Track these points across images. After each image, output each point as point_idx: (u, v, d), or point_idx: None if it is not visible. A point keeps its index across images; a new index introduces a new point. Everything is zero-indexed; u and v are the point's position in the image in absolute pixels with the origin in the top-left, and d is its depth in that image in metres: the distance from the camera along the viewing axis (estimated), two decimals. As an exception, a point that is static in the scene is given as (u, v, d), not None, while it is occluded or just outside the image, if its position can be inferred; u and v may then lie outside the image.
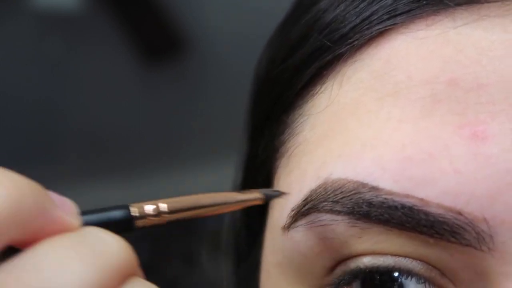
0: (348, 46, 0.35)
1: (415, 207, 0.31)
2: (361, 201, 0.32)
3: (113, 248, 0.27)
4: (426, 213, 0.31)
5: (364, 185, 0.32)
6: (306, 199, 0.34)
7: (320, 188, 0.34)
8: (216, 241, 0.53)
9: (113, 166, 2.08)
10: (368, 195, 0.32)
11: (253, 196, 0.35)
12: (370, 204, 0.32)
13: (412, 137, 0.32)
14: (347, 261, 0.34)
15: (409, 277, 0.33)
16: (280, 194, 0.35)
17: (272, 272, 0.38)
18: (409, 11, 0.34)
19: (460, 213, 0.31)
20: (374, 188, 0.32)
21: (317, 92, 0.37)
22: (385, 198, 0.32)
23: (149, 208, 0.31)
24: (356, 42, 0.35)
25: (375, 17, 0.34)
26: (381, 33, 0.34)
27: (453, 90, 0.32)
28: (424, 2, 0.33)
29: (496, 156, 0.31)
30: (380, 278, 0.33)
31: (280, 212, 0.36)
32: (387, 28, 0.34)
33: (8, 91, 1.89)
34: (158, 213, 0.31)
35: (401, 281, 0.33)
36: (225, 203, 0.34)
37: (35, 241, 0.26)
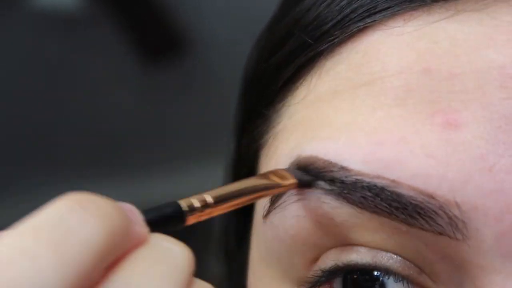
0: (329, 44, 0.36)
1: (387, 188, 0.31)
2: (331, 179, 0.33)
3: (181, 260, 0.28)
4: (398, 195, 0.31)
5: (333, 164, 0.33)
6: None
7: (292, 165, 0.34)
8: (208, 240, 0.53)
9: (113, 166, 2.08)
10: (338, 174, 0.32)
11: (289, 181, 0.34)
12: (342, 182, 0.32)
13: (385, 123, 0.32)
14: (323, 256, 0.34)
15: (387, 276, 0.33)
16: (312, 180, 0.34)
17: (257, 267, 0.38)
18: (388, 8, 0.34)
19: (432, 197, 0.31)
20: (343, 168, 0.32)
21: (297, 87, 0.37)
22: (357, 179, 0.32)
23: (196, 201, 0.31)
24: (336, 40, 0.35)
25: (355, 15, 0.35)
26: (360, 30, 0.35)
27: (426, 79, 0.32)
28: None
29: (469, 142, 0.31)
30: (361, 278, 0.34)
31: (262, 203, 0.37)
32: (366, 25, 0.35)
33: (8, 91, 1.89)
34: (205, 206, 0.31)
35: (382, 280, 0.33)
36: (266, 189, 0.34)
37: (119, 259, 0.27)
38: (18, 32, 1.76)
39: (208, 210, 0.31)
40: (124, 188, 2.08)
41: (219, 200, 0.32)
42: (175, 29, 1.78)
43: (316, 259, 0.35)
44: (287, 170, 0.35)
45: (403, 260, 0.33)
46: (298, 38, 0.37)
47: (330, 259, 0.34)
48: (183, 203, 0.31)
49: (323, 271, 0.34)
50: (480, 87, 0.31)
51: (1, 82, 1.88)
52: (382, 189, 0.31)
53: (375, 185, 0.32)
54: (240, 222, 0.45)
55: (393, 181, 0.31)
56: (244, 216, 0.43)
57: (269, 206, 0.36)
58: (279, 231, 0.35)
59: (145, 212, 0.29)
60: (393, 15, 0.34)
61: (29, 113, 1.96)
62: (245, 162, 0.42)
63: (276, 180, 0.34)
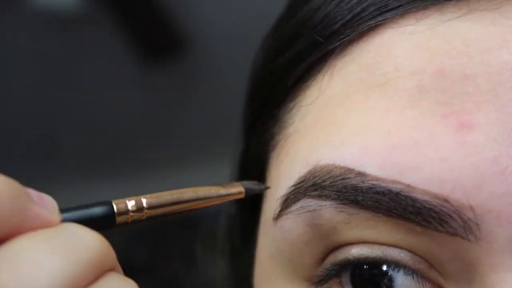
0: (339, 42, 0.36)
1: (402, 193, 0.32)
2: (349, 186, 0.33)
3: (88, 243, 0.27)
4: (413, 199, 0.31)
5: (350, 170, 0.33)
6: (295, 185, 0.35)
7: (309, 174, 0.34)
8: (213, 240, 0.53)
9: (114, 166, 2.08)
10: (354, 181, 0.32)
11: (236, 190, 0.35)
12: (357, 189, 0.32)
13: (398, 125, 0.32)
14: (335, 251, 0.34)
15: (397, 269, 0.33)
16: (262, 188, 0.35)
17: (265, 265, 0.38)
18: (399, 6, 0.34)
19: (446, 200, 0.31)
20: (360, 174, 0.32)
21: (308, 86, 0.37)
22: (373, 184, 0.32)
23: (130, 204, 0.31)
24: (347, 38, 0.35)
25: (366, 14, 0.35)
26: (371, 28, 0.35)
27: (439, 80, 0.32)
28: None
29: (482, 144, 0.31)
30: (369, 272, 0.34)
31: (271, 204, 0.37)
32: (377, 23, 0.35)
33: (8, 91, 1.89)
34: (140, 209, 0.31)
35: (390, 275, 0.33)
36: (207, 198, 0.34)
37: (13, 238, 0.26)
38: (18, 32, 1.76)
39: (141, 213, 0.31)
40: (123, 189, 2.07)
41: (155, 206, 0.32)
42: (175, 29, 1.77)
43: (326, 256, 0.35)
44: (240, 182, 0.36)
45: (413, 255, 0.33)
46: (307, 37, 0.37)
47: (340, 253, 0.34)
48: (116, 204, 0.31)
49: (333, 265, 0.35)
50: (493, 88, 0.31)
51: (0, 81, 1.88)
52: (397, 194, 0.32)
53: (390, 190, 0.32)
54: (246, 221, 0.45)
55: (408, 185, 0.31)
56: (251, 215, 0.43)
57: (280, 211, 0.36)
58: (291, 235, 0.35)
59: (70, 208, 0.29)
60: (404, 14, 0.34)
61: (29, 113, 1.95)
62: (254, 163, 0.42)
63: (221, 189, 0.35)
